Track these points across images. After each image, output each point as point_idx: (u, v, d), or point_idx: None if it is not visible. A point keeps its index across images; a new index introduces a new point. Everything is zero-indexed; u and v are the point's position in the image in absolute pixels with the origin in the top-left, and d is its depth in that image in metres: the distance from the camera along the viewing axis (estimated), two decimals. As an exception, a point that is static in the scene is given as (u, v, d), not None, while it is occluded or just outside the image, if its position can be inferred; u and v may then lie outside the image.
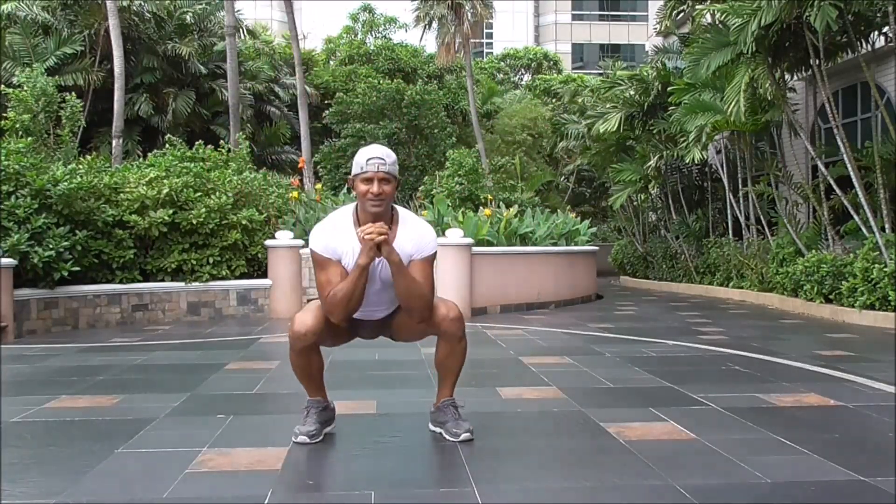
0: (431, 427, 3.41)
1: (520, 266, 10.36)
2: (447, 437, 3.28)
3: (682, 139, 12.62)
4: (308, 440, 3.24)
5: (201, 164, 10.27)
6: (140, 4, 19.68)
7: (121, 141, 16.55)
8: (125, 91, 17.31)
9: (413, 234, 3.17)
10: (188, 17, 21.47)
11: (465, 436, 3.25)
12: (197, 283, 9.05)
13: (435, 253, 3.23)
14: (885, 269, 8.11)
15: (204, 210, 8.90)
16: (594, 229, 13.48)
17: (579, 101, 20.98)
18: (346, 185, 3.00)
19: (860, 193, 9.26)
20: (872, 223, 9.00)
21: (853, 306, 8.50)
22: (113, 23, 16.56)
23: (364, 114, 23.77)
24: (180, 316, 8.98)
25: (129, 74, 19.04)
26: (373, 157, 3.06)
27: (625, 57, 23.98)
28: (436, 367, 3.37)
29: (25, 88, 11.45)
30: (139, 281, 8.80)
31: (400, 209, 3.24)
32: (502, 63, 39.29)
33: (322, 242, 3.14)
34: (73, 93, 12.25)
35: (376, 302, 3.26)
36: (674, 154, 13.78)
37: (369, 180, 3.04)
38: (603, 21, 59.25)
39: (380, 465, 2.95)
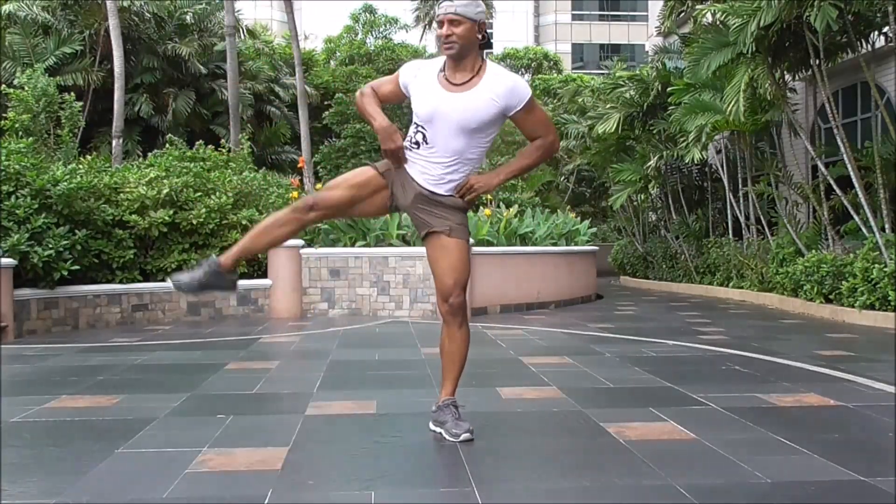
0: (432, 427, 3.40)
1: (520, 266, 10.36)
2: (447, 437, 3.27)
3: (682, 139, 12.62)
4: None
5: (201, 164, 10.27)
6: (140, 4, 19.68)
7: (121, 141, 16.54)
8: (125, 91, 17.31)
9: (502, 84, 3.12)
10: (188, 18, 21.49)
11: (465, 436, 3.24)
12: (197, 283, 9.04)
13: (531, 95, 3.21)
14: (885, 269, 8.11)
15: (204, 210, 8.90)
16: (594, 229, 13.47)
17: (579, 101, 20.97)
18: None
19: (860, 193, 9.26)
20: (872, 223, 9.00)
21: (853, 306, 8.50)
22: (113, 23, 16.57)
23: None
24: (180, 316, 8.98)
25: (129, 74, 19.04)
26: (444, 2, 3.10)
27: (625, 57, 23.96)
28: (440, 354, 3.38)
29: (26, 89, 11.46)
30: (139, 281, 8.80)
31: (489, 63, 3.19)
32: (502, 63, 39.30)
33: (407, 70, 3.25)
34: (73, 93, 12.26)
35: (437, 158, 3.16)
36: (674, 154, 13.77)
37: (441, 24, 3.10)
38: (603, 21, 59.23)
39: (380, 465, 2.95)
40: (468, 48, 3.11)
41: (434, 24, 26.20)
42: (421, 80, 3.20)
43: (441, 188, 3.23)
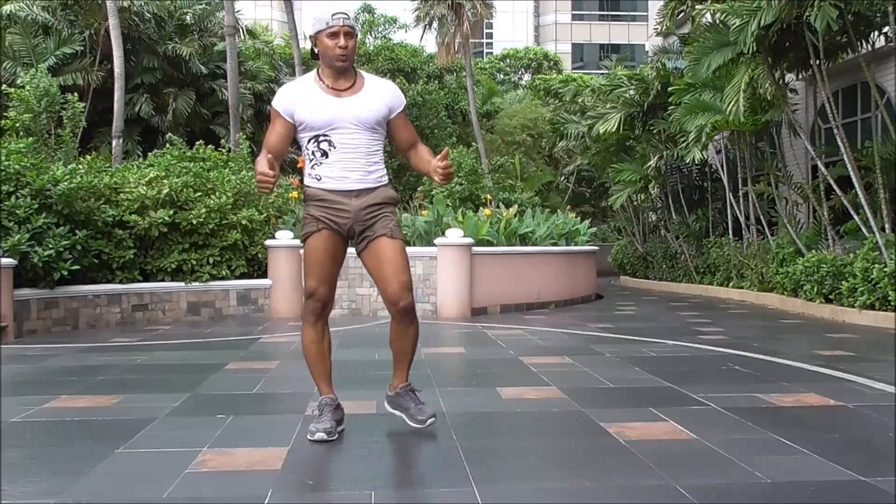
0: (390, 409, 3.46)
1: (520, 266, 10.36)
2: (411, 423, 3.33)
3: (682, 139, 12.62)
4: (326, 437, 3.25)
5: (201, 164, 10.27)
6: (140, 4, 19.67)
7: (121, 141, 16.53)
8: (125, 91, 17.29)
9: (385, 87, 3.36)
10: (188, 18, 21.46)
11: (430, 421, 3.30)
12: (197, 283, 9.05)
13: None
14: (885, 269, 8.11)
15: (204, 210, 8.90)
16: (594, 229, 13.47)
17: (580, 101, 20.98)
18: (311, 49, 3.17)
19: (860, 193, 9.26)
20: (872, 223, 9.00)
21: (853, 306, 8.50)
22: (113, 23, 16.56)
23: (364, 114, 23.75)
24: (180, 316, 8.98)
25: (130, 74, 19.03)
26: (337, 13, 3.17)
27: (625, 57, 23.93)
28: (390, 346, 3.44)
29: (28, 89, 11.45)
30: (139, 281, 8.80)
31: (361, 71, 3.37)
32: (502, 63, 39.30)
33: (281, 97, 3.30)
34: (76, 93, 12.25)
35: (351, 157, 3.25)
36: (674, 154, 13.78)
37: (335, 34, 3.18)
38: (603, 21, 59.23)
39: (380, 465, 2.95)
40: (353, 59, 3.28)
41: (434, 25, 26.21)
42: (302, 97, 3.27)
43: (369, 182, 3.30)
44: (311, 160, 3.32)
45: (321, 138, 3.26)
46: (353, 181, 3.27)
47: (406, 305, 3.26)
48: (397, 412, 3.42)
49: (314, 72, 3.33)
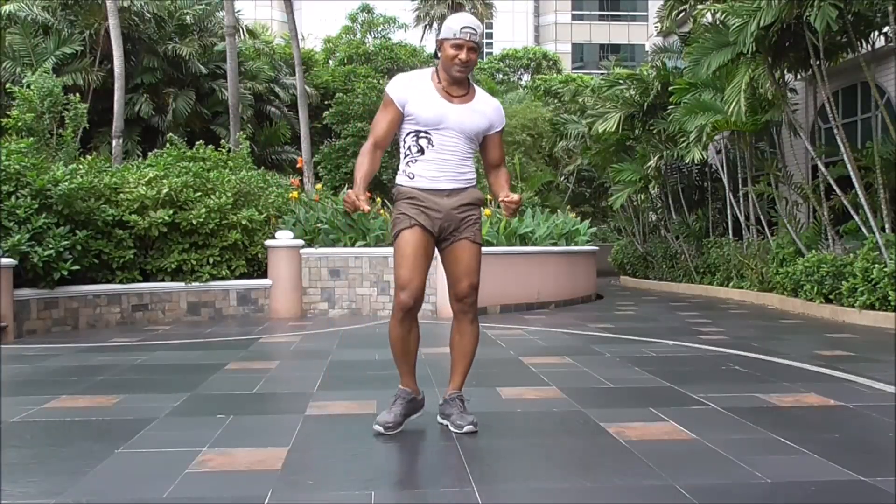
0: (439, 420, 3.52)
1: (520, 266, 10.36)
2: (452, 428, 3.39)
3: (682, 139, 12.62)
4: (383, 430, 3.32)
5: (201, 163, 10.27)
6: (140, 5, 19.67)
7: (121, 141, 16.54)
8: (125, 91, 17.30)
9: (492, 104, 3.48)
10: (188, 18, 21.47)
11: (468, 428, 3.35)
12: (197, 283, 9.05)
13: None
14: (885, 269, 8.11)
15: (204, 210, 8.90)
16: (594, 229, 13.47)
17: (580, 100, 20.98)
18: (435, 55, 3.30)
19: (860, 193, 9.26)
20: (872, 223, 9.00)
21: (853, 306, 8.50)
22: (113, 23, 16.56)
23: (364, 114, 23.76)
24: (180, 316, 8.98)
25: (130, 74, 19.04)
26: (466, 27, 3.29)
27: (625, 57, 23.96)
28: (450, 350, 3.55)
29: (32, 88, 11.46)
30: (139, 281, 8.80)
31: (475, 85, 3.52)
32: (502, 63, 39.30)
33: (397, 86, 3.38)
34: (78, 94, 12.27)
35: (445, 159, 3.35)
36: (674, 154, 13.77)
37: (459, 46, 3.29)
38: (603, 21, 59.26)
39: (380, 465, 2.95)
40: (471, 71, 3.41)
41: (434, 25, 26.20)
42: (418, 91, 3.36)
43: (460, 182, 3.40)
44: (406, 156, 3.40)
45: (422, 134, 3.36)
46: (446, 181, 3.37)
47: (469, 303, 3.43)
48: (444, 421, 3.48)
49: (433, 69, 3.43)
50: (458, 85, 3.38)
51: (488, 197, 13.38)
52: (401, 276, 3.32)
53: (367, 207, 3.24)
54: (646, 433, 3.38)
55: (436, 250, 3.47)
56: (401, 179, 3.42)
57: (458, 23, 3.30)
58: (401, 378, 3.49)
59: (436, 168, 3.35)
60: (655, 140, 14.55)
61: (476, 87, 3.49)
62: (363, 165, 3.36)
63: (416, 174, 3.37)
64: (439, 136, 3.34)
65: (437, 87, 3.37)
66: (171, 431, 3.49)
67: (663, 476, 2.77)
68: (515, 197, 3.39)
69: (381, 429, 3.33)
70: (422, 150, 3.36)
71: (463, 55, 3.28)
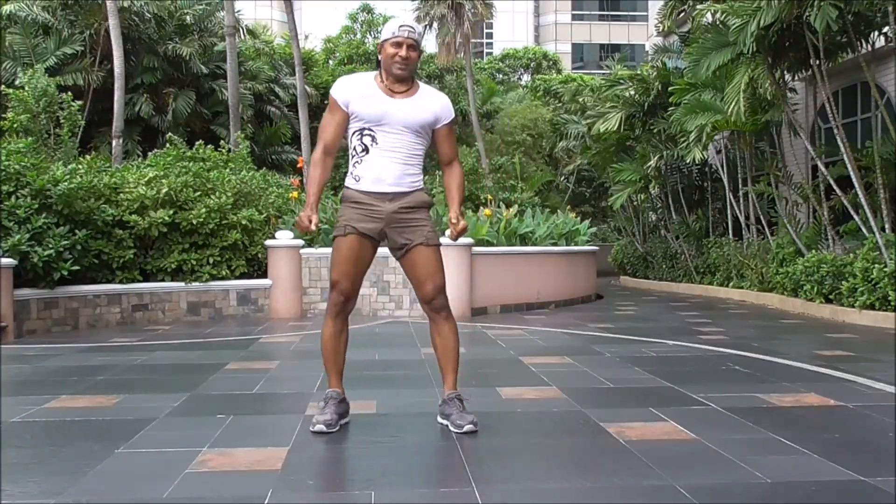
0: (439, 420, 3.55)
1: (520, 266, 10.36)
2: (452, 428, 3.41)
3: (682, 139, 12.62)
4: (325, 429, 3.37)
5: (201, 163, 10.27)
6: (140, 5, 19.67)
7: (121, 141, 16.53)
8: (125, 91, 17.29)
9: (438, 98, 3.53)
10: (188, 18, 21.45)
11: (468, 427, 3.37)
12: (197, 283, 9.05)
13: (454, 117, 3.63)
14: (885, 269, 8.11)
15: (204, 210, 8.89)
16: (594, 229, 13.47)
17: (580, 100, 20.97)
18: (376, 55, 3.40)
19: (860, 193, 9.26)
20: (872, 223, 9.00)
21: (853, 306, 8.50)
22: (113, 23, 16.56)
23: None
24: (180, 316, 8.98)
25: (130, 74, 19.03)
26: (404, 25, 3.38)
27: (625, 57, 23.89)
28: (435, 352, 3.59)
29: (27, 89, 11.45)
30: (139, 281, 8.80)
31: (418, 81, 3.55)
32: (502, 63, 39.28)
33: (340, 87, 3.45)
34: (71, 93, 12.25)
35: (390, 157, 3.39)
36: (674, 154, 13.78)
37: (399, 44, 3.36)
38: (603, 21, 59.25)
39: (380, 465, 2.95)
40: (414, 70, 3.46)
41: (434, 25, 26.21)
42: (361, 91, 3.42)
43: (404, 186, 3.44)
44: (353, 156, 3.47)
45: (366, 132, 3.41)
46: (389, 184, 3.41)
47: (438, 304, 3.48)
48: (444, 422, 3.52)
49: (376, 72, 3.49)
50: (401, 82, 3.42)
51: (488, 197, 13.41)
52: (333, 277, 3.46)
53: (315, 228, 3.38)
54: (646, 433, 3.38)
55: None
56: (348, 181, 3.49)
57: (397, 23, 3.40)
58: (329, 380, 3.56)
59: (380, 168, 3.40)
60: (655, 140, 14.55)
61: (421, 84, 3.53)
62: (315, 179, 3.45)
63: (361, 176, 3.43)
64: (383, 134, 3.39)
65: (380, 85, 3.42)
66: (171, 431, 3.49)
67: (663, 476, 2.77)
68: (461, 225, 3.55)
69: (324, 427, 3.37)
70: (366, 149, 3.41)
71: (403, 52, 3.34)
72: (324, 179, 3.48)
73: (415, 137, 3.44)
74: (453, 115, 3.58)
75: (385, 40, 3.39)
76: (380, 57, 3.43)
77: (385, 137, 3.39)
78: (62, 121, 11.52)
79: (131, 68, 19.47)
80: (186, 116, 20.27)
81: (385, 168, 3.39)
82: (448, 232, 3.62)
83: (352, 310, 3.53)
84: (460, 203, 3.68)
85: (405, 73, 3.39)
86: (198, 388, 4.55)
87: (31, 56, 17.59)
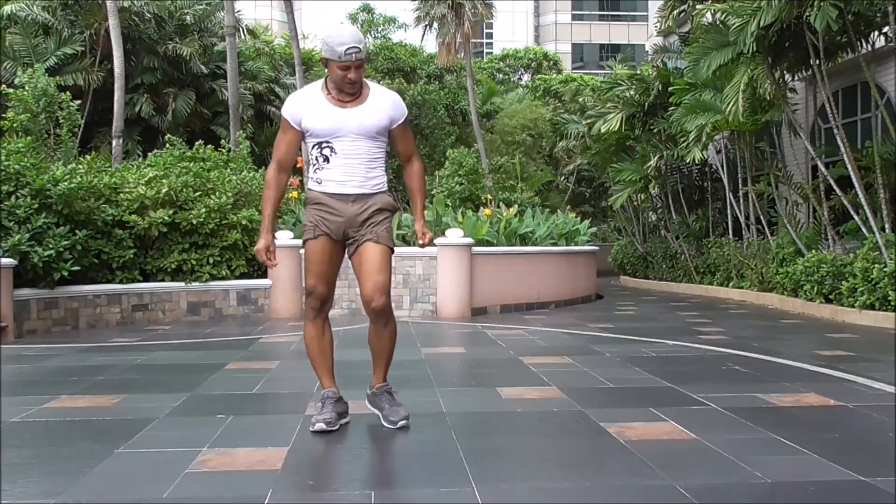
0: (369, 406, 3.62)
1: (520, 266, 10.36)
2: (385, 423, 3.48)
3: (682, 139, 12.62)
4: (326, 427, 3.39)
5: (201, 163, 10.26)
6: (140, 5, 19.67)
7: (121, 141, 16.53)
8: (125, 91, 17.29)
9: (388, 98, 3.49)
10: (188, 18, 21.45)
11: (402, 423, 3.45)
12: (197, 283, 9.05)
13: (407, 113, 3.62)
14: (885, 269, 8.11)
15: (204, 210, 8.90)
16: (594, 229, 13.47)
17: (580, 100, 20.96)
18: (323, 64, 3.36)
19: (860, 193, 9.26)
20: (872, 223, 9.00)
21: (853, 306, 8.50)
22: (113, 23, 16.55)
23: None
24: (180, 316, 8.98)
25: (130, 74, 19.02)
26: (350, 48, 3.26)
27: (626, 57, 23.88)
28: (369, 345, 3.60)
29: (26, 89, 11.45)
30: (139, 281, 8.80)
31: (368, 81, 3.51)
32: (502, 63, 39.26)
33: (290, 106, 3.45)
34: (69, 93, 12.24)
35: (351, 163, 3.40)
36: (674, 154, 13.77)
37: (346, 68, 3.30)
38: (603, 21, 59.23)
39: (380, 465, 2.95)
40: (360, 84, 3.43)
41: (434, 25, 26.21)
42: (310, 105, 3.41)
43: (367, 188, 3.45)
44: (313, 165, 3.47)
45: (324, 145, 3.42)
46: (352, 186, 3.42)
47: (378, 306, 3.39)
48: (374, 410, 3.59)
49: (322, 81, 3.46)
50: (349, 91, 3.40)
51: (488, 197, 13.40)
52: (308, 282, 3.50)
53: (275, 263, 3.44)
54: (646, 433, 3.38)
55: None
56: (310, 185, 3.51)
57: (342, 44, 3.25)
58: (321, 381, 3.58)
59: (342, 173, 3.41)
60: (656, 140, 14.55)
61: (368, 83, 3.48)
62: (271, 199, 3.47)
63: (323, 179, 3.44)
64: (340, 144, 3.39)
65: (328, 97, 3.40)
66: (171, 431, 3.49)
67: (663, 476, 2.77)
68: (428, 238, 3.58)
69: (324, 426, 3.39)
70: (327, 159, 3.43)
71: (352, 74, 3.30)
72: (279, 199, 3.51)
73: (372, 142, 3.43)
74: (406, 112, 3.57)
75: (330, 60, 3.30)
76: (325, 69, 3.37)
77: (343, 146, 3.39)
78: (61, 121, 11.52)
79: (131, 68, 19.47)
80: (186, 116, 20.25)
81: (346, 172, 3.41)
82: (418, 243, 3.63)
83: (329, 310, 3.56)
84: (423, 207, 3.71)
85: (355, 90, 3.38)
86: (198, 388, 4.55)
87: (31, 56, 17.58)
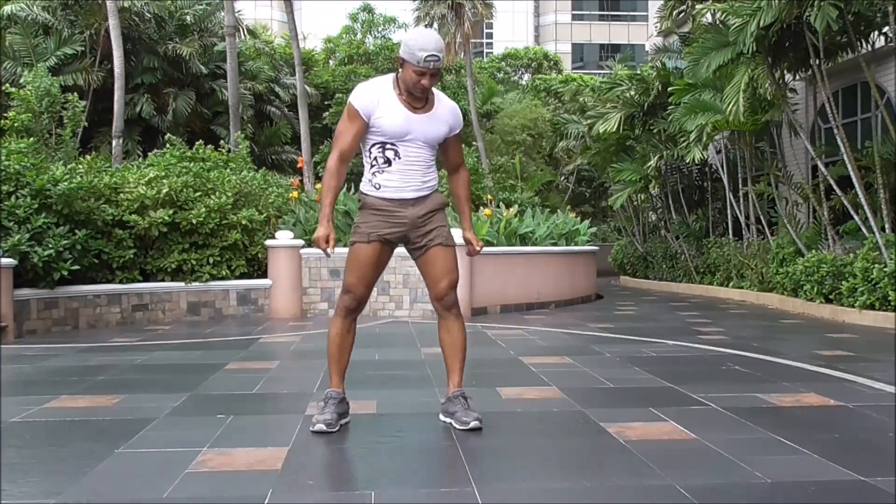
0: (442, 418, 3.57)
1: (520, 266, 10.36)
2: (456, 425, 3.43)
3: (682, 139, 12.62)
4: (326, 428, 3.38)
5: (201, 164, 10.27)
6: (140, 5, 19.68)
7: (121, 141, 16.54)
8: (125, 91, 17.30)
9: (450, 108, 3.55)
10: (188, 18, 21.47)
11: (473, 424, 3.39)
12: (197, 283, 9.05)
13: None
14: (885, 269, 8.11)
15: (204, 210, 8.89)
16: (594, 229, 13.47)
17: (580, 100, 20.97)
18: (395, 70, 3.34)
19: (860, 193, 9.26)
20: (872, 223, 9.00)
21: (853, 306, 8.50)
22: (113, 23, 16.56)
23: (364, 114, 23.74)
24: (180, 316, 8.98)
25: (130, 74, 19.04)
26: (431, 55, 3.27)
27: (626, 57, 23.89)
28: (441, 349, 3.61)
29: (29, 88, 11.45)
30: (139, 281, 8.80)
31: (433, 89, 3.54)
32: (502, 63, 39.27)
33: (362, 97, 3.40)
34: (76, 93, 12.26)
35: (411, 169, 3.43)
36: (674, 154, 13.78)
37: (422, 74, 3.31)
38: (603, 21, 59.23)
39: (380, 465, 2.95)
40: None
41: (435, 25, 26.21)
42: (383, 103, 3.39)
43: (423, 191, 3.51)
44: (372, 166, 3.47)
45: (388, 146, 3.43)
46: (411, 191, 3.47)
47: (451, 300, 3.53)
48: (447, 419, 3.54)
49: (392, 78, 3.45)
50: (419, 96, 3.42)
51: (488, 197, 13.40)
52: (348, 281, 3.50)
53: (332, 251, 3.42)
54: (646, 433, 3.39)
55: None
56: (366, 188, 3.50)
57: (423, 50, 3.25)
58: (331, 379, 3.57)
59: (401, 179, 3.44)
60: (655, 140, 14.56)
61: (434, 90, 3.50)
62: (333, 189, 3.45)
63: (381, 184, 3.44)
64: (405, 147, 3.42)
65: (400, 98, 3.40)
66: (171, 431, 3.49)
67: (663, 476, 2.77)
68: (478, 249, 3.65)
69: (324, 427, 3.38)
70: (388, 162, 3.43)
71: (426, 81, 3.32)
72: (339, 188, 3.51)
73: (432, 150, 3.51)
74: (462, 123, 3.63)
75: (408, 63, 3.30)
76: (399, 70, 3.36)
77: (407, 151, 3.42)
78: (66, 121, 11.52)
79: (131, 68, 19.48)
80: (187, 116, 20.27)
81: (407, 178, 3.44)
82: (468, 251, 3.70)
83: (362, 310, 3.60)
84: (471, 216, 3.78)
85: (425, 96, 3.41)
86: (198, 388, 4.55)
87: (31, 56, 17.59)
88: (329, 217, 3.42)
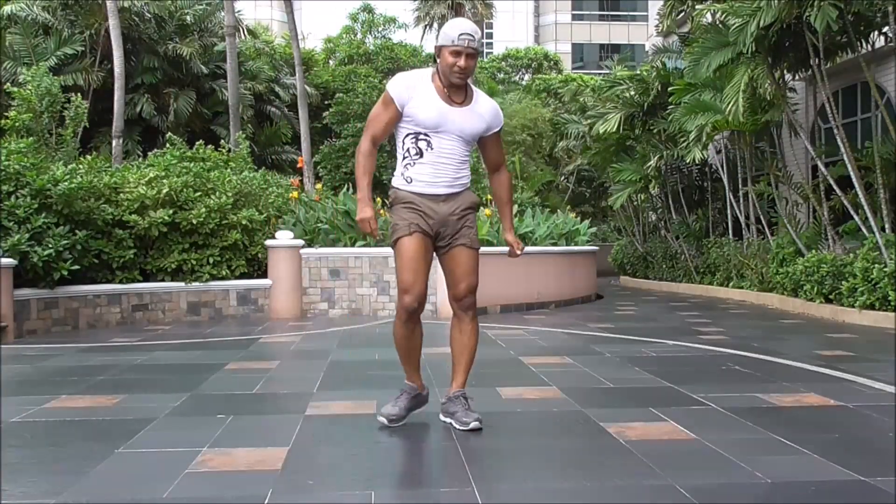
0: (442, 418, 3.55)
1: (520, 266, 10.34)
2: (457, 426, 3.42)
3: (682, 139, 12.62)
4: (386, 422, 3.43)
5: (201, 163, 10.27)
6: (140, 5, 19.68)
7: (121, 141, 16.54)
8: (126, 91, 17.30)
9: (489, 105, 3.51)
10: (188, 18, 21.47)
11: (473, 424, 3.38)
12: (197, 283, 9.05)
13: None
14: (885, 269, 8.11)
15: (204, 210, 8.89)
16: (594, 229, 13.47)
17: (580, 100, 20.96)
18: (434, 59, 3.36)
19: (860, 193, 9.26)
20: (872, 223, 9.00)
21: (853, 306, 8.50)
22: (113, 23, 16.56)
23: (364, 113, 23.74)
24: (180, 316, 8.98)
25: (130, 74, 19.04)
26: (464, 33, 3.27)
27: (626, 57, 23.90)
28: (451, 348, 3.62)
29: (30, 88, 11.45)
30: (139, 281, 8.80)
31: (473, 86, 3.52)
32: (502, 63, 39.29)
33: (399, 85, 3.37)
34: (79, 94, 12.25)
35: (444, 163, 3.39)
36: (674, 154, 13.78)
37: (458, 53, 3.28)
38: (603, 21, 59.23)
39: (380, 465, 2.95)
40: (471, 76, 3.42)
41: (434, 25, 26.22)
42: (420, 93, 3.36)
43: (456, 186, 3.47)
44: (404, 157, 3.43)
45: (421, 137, 3.39)
46: (443, 186, 3.42)
47: (469, 303, 3.51)
48: (447, 420, 3.52)
49: (432, 70, 3.43)
50: (459, 90, 3.39)
51: (488, 197, 13.39)
52: (403, 280, 3.38)
53: (378, 233, 3.43)
54: (646, 433, 3.38)
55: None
56: (398, 182, 3.46)
57: (456, 30, 3.29)
58: (406, 374, 3.57)
59: (433, 173, 3.39)
60: (655, 140, 14.55)
61: (474, 88, 3.50)
62: (369, 170, 3.43)
63: (413, 178, 3.40)
64: (439, 139, 3.37)
65: (439, 89, 3.37)
66: (171, 431, 3.49)
67: (663, 476, 2.77)
68: (518, 252, 3.66)
69: (385, 420, 3.42)
70: (420, 153, 3.39)
71: (462, 62, 3.28)
72: (373, 171, 3.46)
73: (466, 145, 3.45)
74: (502, 122, 3.59)
75: (443, 46, 3.31)
76: (437, 59, 3.37)
77: (440, 143, 3.38)
78: (67, 121, 11.52)
79: (131, 68, 19.48)
80: (187, 116, 20.28)
81: (439, 173, 3.40)
82: (509, 251, 3.69)
83: (422, 310, 3.46)
84: (512, 217, 3.77)
85: (463, 81, 3.35)
86: (198, 388, 4.55)
87: (31, 56, 17.59)
88: (369, 198, 3.40)
